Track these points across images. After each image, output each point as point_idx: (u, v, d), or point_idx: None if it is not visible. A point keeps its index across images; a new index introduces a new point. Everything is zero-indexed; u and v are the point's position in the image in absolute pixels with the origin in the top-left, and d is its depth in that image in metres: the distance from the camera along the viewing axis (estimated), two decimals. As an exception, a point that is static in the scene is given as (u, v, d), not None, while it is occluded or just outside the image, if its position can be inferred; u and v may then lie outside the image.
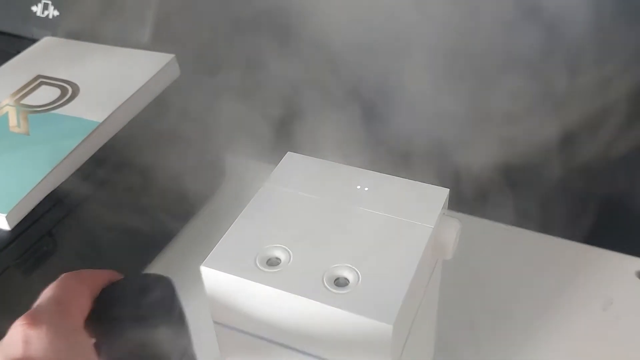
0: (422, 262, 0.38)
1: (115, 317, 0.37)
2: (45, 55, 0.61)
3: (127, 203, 0.53)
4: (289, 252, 0.38)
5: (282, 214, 0.40)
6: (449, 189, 0.42)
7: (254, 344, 0.40)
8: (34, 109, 0.53)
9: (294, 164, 0.44)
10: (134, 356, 0.37)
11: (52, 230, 0.47)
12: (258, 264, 0.37)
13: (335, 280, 0.37)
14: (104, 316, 0.37)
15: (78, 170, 0.49)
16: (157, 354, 0.37)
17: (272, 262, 0.38)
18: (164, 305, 0.38)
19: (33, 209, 0.46)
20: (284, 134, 0.59)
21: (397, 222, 0.40)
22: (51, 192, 0.47)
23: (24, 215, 0.45)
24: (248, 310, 0.38)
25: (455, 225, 0.41)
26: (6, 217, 0.45)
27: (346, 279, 0.37)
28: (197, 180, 0.60)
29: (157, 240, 0.61)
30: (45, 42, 0.63)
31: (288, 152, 0.45)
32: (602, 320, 0.55)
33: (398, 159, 0.56)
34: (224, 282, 0.37)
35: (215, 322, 0.40)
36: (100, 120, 0.52)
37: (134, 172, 0.52)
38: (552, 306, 0.56)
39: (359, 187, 0.42)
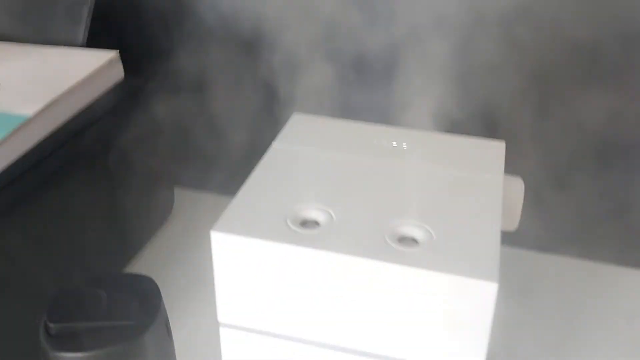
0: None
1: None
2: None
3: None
4: (329, 212, 0.28)
5: (307, 173, 0.30)
6: (504, 141, 0.34)
7: (278, 347, 0.28)
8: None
9: (304, 124, 0.34)
10: None
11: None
12: (291, 225, 0.26)
13: (400, 239, 0.26)
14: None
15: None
16: None
17: (308, 225, 0.27)
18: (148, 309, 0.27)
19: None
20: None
21: (457, 175, 0.30)
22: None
23: None
24: (275, 295, 0.27)
25: (521, 184, 0.32)
26: None
27: (414, 239, 0.27)
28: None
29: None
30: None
31: (294, 112, 0.35)
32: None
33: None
34: (243, 253, 0.26)
35: (223, 325, 0.28)
36: (30, 114, 0.40)
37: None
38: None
39: (395, 143, 0.33)
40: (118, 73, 0.50)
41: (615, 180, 0.49)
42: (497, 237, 0.26)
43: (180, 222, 0.54)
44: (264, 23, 0.52)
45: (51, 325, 0.26)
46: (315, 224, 0.27)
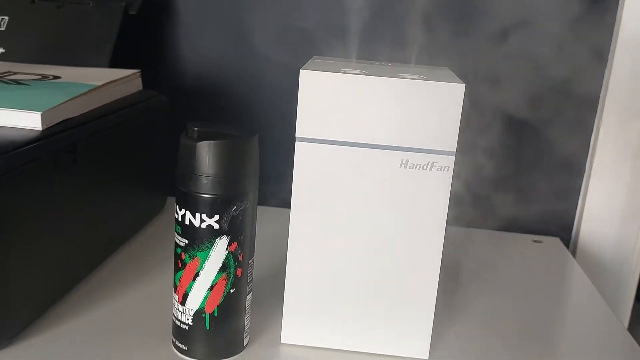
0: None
1: None
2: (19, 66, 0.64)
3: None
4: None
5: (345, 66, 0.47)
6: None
7: (337, 153, 0.44)
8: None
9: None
10: None
11: (76, 144, 0.48)
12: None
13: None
14: None
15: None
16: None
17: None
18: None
19: (60, 123, 0.49)
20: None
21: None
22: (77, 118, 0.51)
23: (56, 122, 0.49)
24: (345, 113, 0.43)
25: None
26: (41, 115, 0.46)
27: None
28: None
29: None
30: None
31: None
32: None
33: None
34: (323, 84, 0.42)
35: (300, 139, 0.43)
36: (94, 85, 0.56)
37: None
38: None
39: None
40: (138, 84, 0.66)
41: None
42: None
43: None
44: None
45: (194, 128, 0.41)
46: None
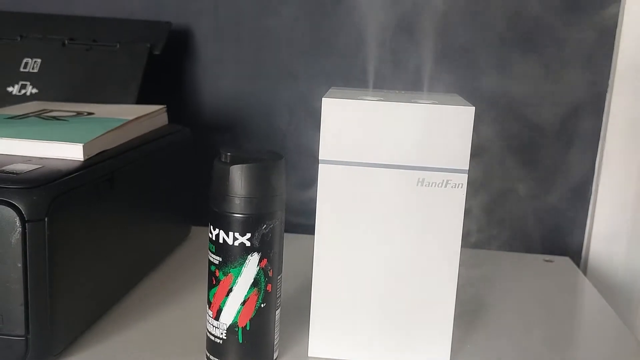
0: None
1: None
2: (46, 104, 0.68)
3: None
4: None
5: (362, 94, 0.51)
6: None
7: (358, 174, 0.47)
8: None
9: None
10: None
11: (113, 173, 0.52)
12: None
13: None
14: None
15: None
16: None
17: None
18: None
19: (98, 154, 0.54)
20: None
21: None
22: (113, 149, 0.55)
23: (95, 153, 0.53)
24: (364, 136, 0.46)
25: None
26: (83, 146, 0.50)
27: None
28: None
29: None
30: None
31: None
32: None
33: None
34: (344, 111, 0.46)
35: (323, 161, 0.47)
36: (126, 119, 0.60)
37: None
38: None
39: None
40: (164, 119, 0.70)
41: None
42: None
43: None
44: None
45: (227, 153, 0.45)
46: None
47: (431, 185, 0.46)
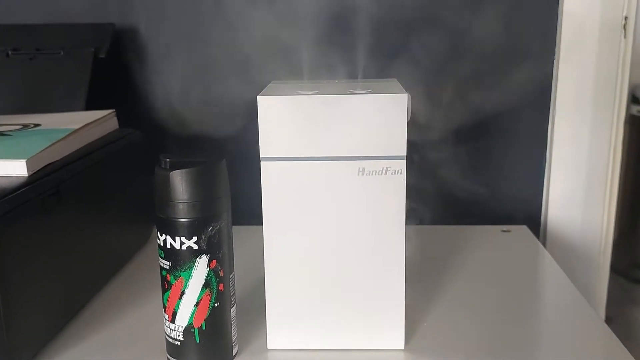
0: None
1: None
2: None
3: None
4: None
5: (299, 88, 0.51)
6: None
7: (299, 168, 0.47)
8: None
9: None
10: None
11: (59, 186, 0.52)
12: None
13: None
14: None
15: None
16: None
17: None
18: None
19: (44, 168, 0.54)
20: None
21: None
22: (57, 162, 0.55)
23: (40, 167, 0.53)
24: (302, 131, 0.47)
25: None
26: (26, 162, 0.50)
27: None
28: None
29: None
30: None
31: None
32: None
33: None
34: (280, 107, 0.46)
35: (264, 159, 0.47)
36: (72, 129, 0.59)
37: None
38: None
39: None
40: (114, 124, 0.70)
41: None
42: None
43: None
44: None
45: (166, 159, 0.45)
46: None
47: (372, 174, 0.47)
